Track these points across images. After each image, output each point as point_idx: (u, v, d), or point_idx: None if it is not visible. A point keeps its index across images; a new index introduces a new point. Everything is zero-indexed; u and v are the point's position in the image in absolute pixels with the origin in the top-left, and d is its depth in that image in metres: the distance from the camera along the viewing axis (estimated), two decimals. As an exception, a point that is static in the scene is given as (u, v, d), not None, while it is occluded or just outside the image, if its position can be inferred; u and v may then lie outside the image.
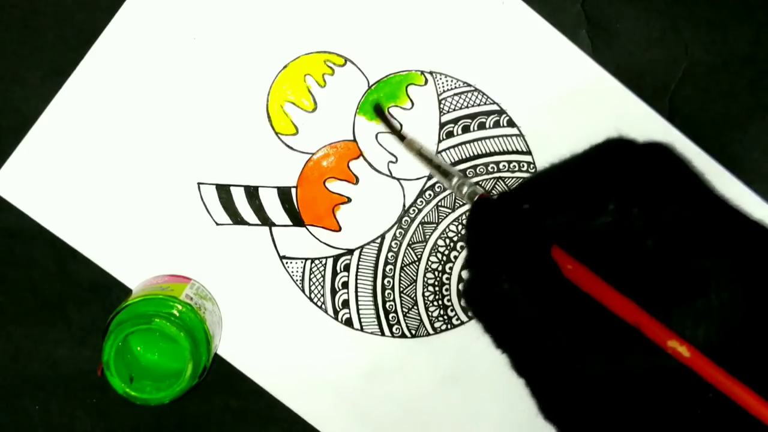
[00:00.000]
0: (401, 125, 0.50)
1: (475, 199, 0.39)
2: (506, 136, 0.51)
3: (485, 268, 0.35)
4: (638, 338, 0.33)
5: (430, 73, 0.50)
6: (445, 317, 0.53)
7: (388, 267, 0.52)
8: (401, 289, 0.53)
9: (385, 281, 0.52)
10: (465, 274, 0.52)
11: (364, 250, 0.52)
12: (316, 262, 0.52)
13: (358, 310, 0.53)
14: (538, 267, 0.35)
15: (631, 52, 0.49)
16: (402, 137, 0.47)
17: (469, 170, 0.51)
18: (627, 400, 0.33)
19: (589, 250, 0.35)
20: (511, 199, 0.37)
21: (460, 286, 0.53)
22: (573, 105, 0.50)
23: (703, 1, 0.48)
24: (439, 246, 0.52)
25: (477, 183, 0.51)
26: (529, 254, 0.35)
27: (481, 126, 0.50)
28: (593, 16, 0.49)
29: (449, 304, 0.53)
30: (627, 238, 0.34)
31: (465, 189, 0.40)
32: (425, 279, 0.53)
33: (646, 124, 0.49)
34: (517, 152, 0.51)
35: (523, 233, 0.35)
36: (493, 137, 0.51)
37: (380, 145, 0.51)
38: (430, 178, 0.51)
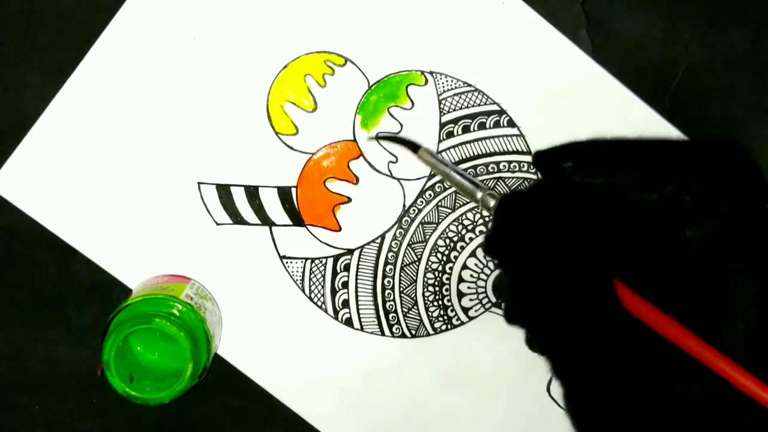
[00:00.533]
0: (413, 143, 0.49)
1: (500, 200, 0.37)
2: (506, 136, 0.51)
3: (532, 274, 0.34)
4: (682, 364, 0.33)
5: (431, 73, 0.50)
6: (445, 317, 0.53)
7: (388, 267, 0.52)
8: (401, 289, 0.53)
9: (385, 281, 0.52)
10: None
11: (364, 250, 0.52)
12: (317, 261, 0.52)
13: (358, 309, 0.53)
14: (596, 299, 0.33)
15: (631, 52, 0.49)
16: (416, 147, 0.46)
17: (469, 170, 0.51)
18: (669, 424, 0.33)
19: (630, 233, 0.34)
20: (552, 158, 0.35)
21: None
22: (573, 105, 0.50)
23: (703, 1, 0.48)
24: (439, 246, 0.52)
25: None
26: (585, 282, 0.33)
27: (482, 126, 0.50)
28: (593, 16, 0.49)
29: (449, 304, 0.53)
30: (671, 224, 0.33)
31: (491, 203, 0.39)
32: (425, 279, 0.53)
33: (646, 124, 0.49)
34: (517, 152, 0.51)
35: (572, 260, 0.33)
36: (493, 137, 0.51)
37: (380, 145, 0.51)
38: (430, 178, 0.51)
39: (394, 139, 0.49)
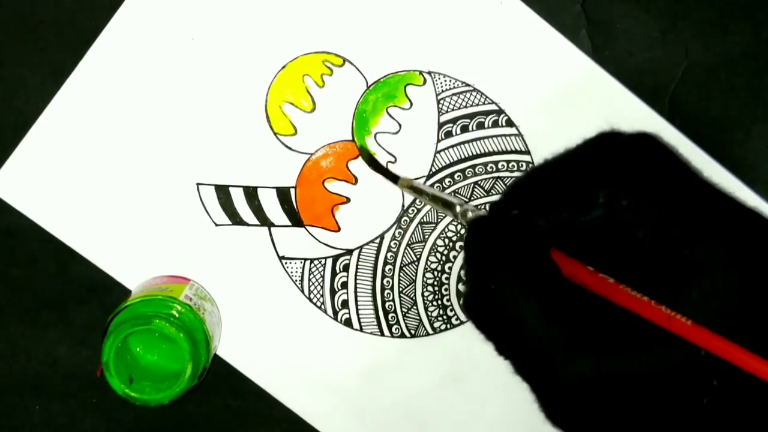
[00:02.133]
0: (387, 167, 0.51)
1: (469, 220, 0.40)
2: (505, 135, 0.51)
3: (482, 278, 0.35)
4: (641, 334, 0.33)
5: (429, 73, 0.50)
6: (445, 317, 0.53)
7: (388, 267, 0.52)
8: (400, 289, 0.53)
9: (385, 281, 0.52)
10: (462, 287, 0.52)
11: (363, 250, 0.52)
12: (315, 262, 0.52)
13: (357, 310, 0.53)
14: (536, 270, 0.35)
15: (631, 52, 0.49)
16: (395, 178, 0.48)
17: (468, 170, 0.51)
18: (633, 397, 0.33)
19: (584, 246, 0.35)
20: (501, 207, 0.37)
21: (460, 286, 0.53)
22: (572, 105, 0.50)
23: (703, 1, 0.48)
24: (438, 246, 0.52)
25: (476, 183, 0.51)
26: (527, 260, 0.35)
27: (480, 126, 0.50)
28: (593, 16, 0.49)
29: (448, 304, 0.53)
30: (619, 232, 0.34)
31: (469, 215, 0.41)
32: (424, 279, 0.53)
33: (646, 124, 0.49)
34: (515, 152, 0.51)
35: (517, 239, 0.35)
36: (491, 137, 0.51)
37: (379, 145, 0.50)
38: (429, 177, 0.51)
39: (377, 168, 0.50)
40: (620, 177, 0.35)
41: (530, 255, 0.35)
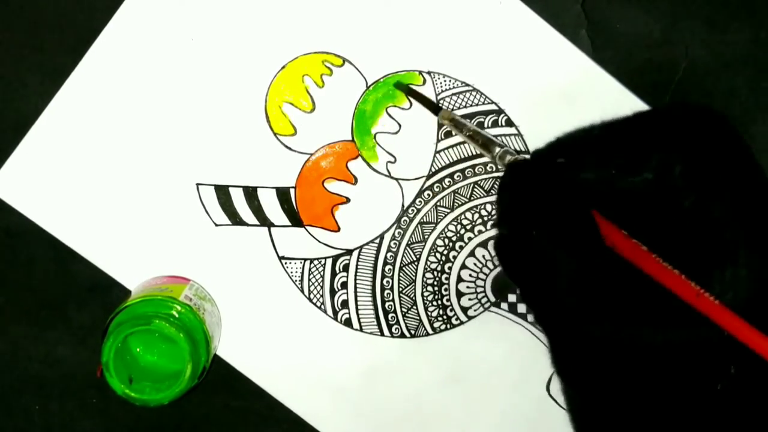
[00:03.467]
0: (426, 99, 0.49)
1: (508, 163, 0.39)
2: (505, 135, 0.50)
3: (521, 222, 0.34)
4: (667, 307, 0.33)
5: (429, 73, 0.50)
6: (445, 317, 0.53)
7: (387, 267, 0.52)
8: (400, 289, 0.53)
9: (384, 281, 0.52)
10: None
11: (363, 250, 0.52)
12: (315, 262, 0.52)
13: (357, 310, 0.53)
14: (577, 226, 0.34)
15: (631, 52, 0.49)
16: (437, 108, 0.47)
17: (467, 170, 0.51)
18: (647, 368, 0.33)
19: (625, 209, 0.34)
20: (544, 156, 0.36)
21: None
22: (572, 104, 0.50)
23: (703, 1, 0.48)
24: (438, 246, 0.52)
25: (476, 183, 0.51)
26: (569, 213, 0.34)
27: (480, 125, 0.50)
28: (593, 16, 0.48)
29: (448, 304, 0.53)
30: (666, 197, 0.33)
31: (508, 158, 0.41)
32: (424, 279, 0.52)
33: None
34: (515, 152, 0.51)
35: (559, 191, 0.34)
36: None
37: (379, 145, 0.50)
38: (429, 178, 0.51)
39: (417, 95, 0.49)
40: (679, 142, 0.34)
41: (573, 208, 0.34)
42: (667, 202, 0.34)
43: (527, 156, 0.38)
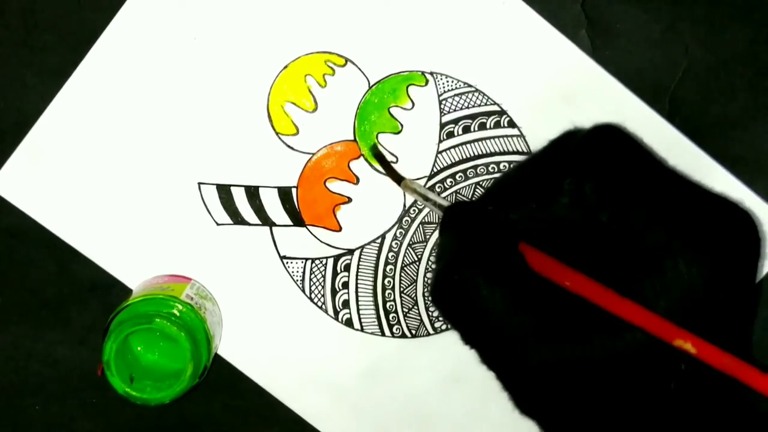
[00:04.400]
0: (396, 162, 0.51)
1: (445, 207, 0.40)
2: (507, 136, 0.51)
3: (448, 267, 0.36)
4: (603, 323, 0.33)
5: (431, 73, 0.50)
6: (447, 323, 0.53)
7: (389, 267, 0.52)
8: (402, 289, 0.53)
9: (386, 281, 0.52)
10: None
11: (364, 250, 0.52)
12: (317, 262, 0.52)
13: (358, 310, 0.53)
14: (500, 261, 0.35)
15: (631, 52, 0.49)
16: (399, 179, 0.48)
17: (469, 170, 0.51)
18: (600, 383, 0.34)
19: (555, 236, 0.36)
20: (477, 203, 0.39)
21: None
22: (573, 105, 0.50)
23: (703, 1, 0.48)
24: (439, 246, 0.52)
25: (478, 183, 0.51)
26: (494, 250, 0.35)
27: (482, 126, 0.50)
28: (593, 16, 0.49)
29: (449, 304, 0.53)
30: (585, 217, 0.35)
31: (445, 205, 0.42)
32: (426, 279, 0.53)
33: (646, 124, 0.49)
34: (517, 153, 0.51)
35: (487, 231, 0.36)
36: (493, 138, 0.51)
37: (381, 145, 0.51)
38: (430, 178, 0.51)
39: (383, 164, 0.50)
40: (583, 163, 0.35)
41: (495, 245, 0.36)
42: (588, 221, 0.35)
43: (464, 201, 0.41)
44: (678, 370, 0.33)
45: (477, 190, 0.51)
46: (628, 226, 0.34)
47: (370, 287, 0.52)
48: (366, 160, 0.51)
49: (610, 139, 0.36)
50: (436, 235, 0.52)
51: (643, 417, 0.34)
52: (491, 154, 0.51)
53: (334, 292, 0.52)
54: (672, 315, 0.32)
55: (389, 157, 0.51)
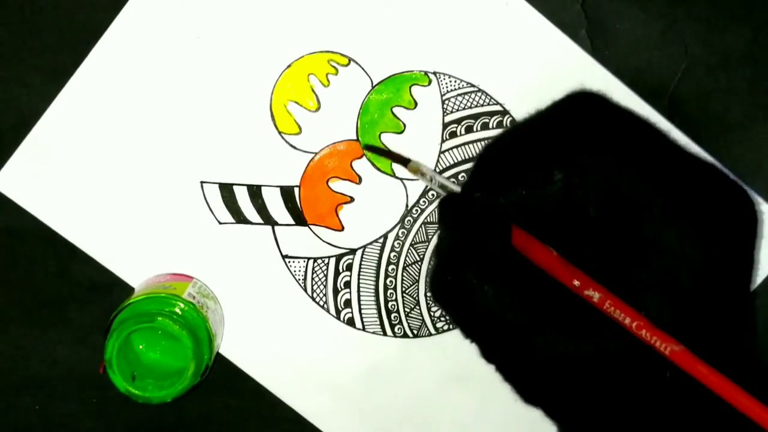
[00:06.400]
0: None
1: (440, 199, 0.40)
2: (508, 136, 0.51)
3: (444, 259, 0.36)
4: (595, 320, 0.34)
5: (434, 73, 0.50)
6: (447, 317, 0.53)
7: (391, 267, 0.52)
8: (404, 288, 0.53)
9: (388, 281, 0.52)
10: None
11: (366, 249, 0.52)
12: (319, 261, 0.52)
13: (360, 309, 0.53)
14: (494, 257, 0.35)
15: (631, 52, 0.49)
16: (406, 161, 0.47)
17: (471, 170, 0.51)
18: (594, 375, 0.34)
19: (545, 223, 0.36)
20: (467, 190, 0.38)
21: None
22: (574, 105, 0.50)
23: (703, 1, 0.49)
24: (441, 246, 0.52)
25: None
26: (486, 246, 0.35)
27: (485, 126, 0.51)
28: (593, 16, 0.49)
29: (451, 304, 0.53)
30: (573, 207, 0.35)
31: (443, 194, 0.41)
32: (427, 279, 0.53)
33: (647, 125, 0.50)
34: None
35: (478, 226, 0.36)
36: (495, 137, 0.51)
37: (383, 144, 0.51)
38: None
39: (383, 152, 0.50)
40: (571, 149, 0.35)
41: (487, 240, 0.35)
42: (578, 211, 0.35)
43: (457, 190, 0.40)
44: (662, 375, 0.33)
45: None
46: (614, 220, 0.34)
47: (372, 287, 0.52)
48: (369, 160, 0.51)
49: (592, 112, 0.36)
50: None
51: (642, 403, 0.34)
52: (493, 154, 0.51)
53: (336, 292, 0.52)
54: (659, 313, 0.33)
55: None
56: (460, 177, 0.51)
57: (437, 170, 0.51)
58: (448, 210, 0.37)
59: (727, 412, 0.32)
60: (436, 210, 0.52)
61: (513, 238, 0.35)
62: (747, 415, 0.31)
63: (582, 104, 0.37)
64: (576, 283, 0.34)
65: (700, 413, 0.34)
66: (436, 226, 0.52)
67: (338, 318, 0.53)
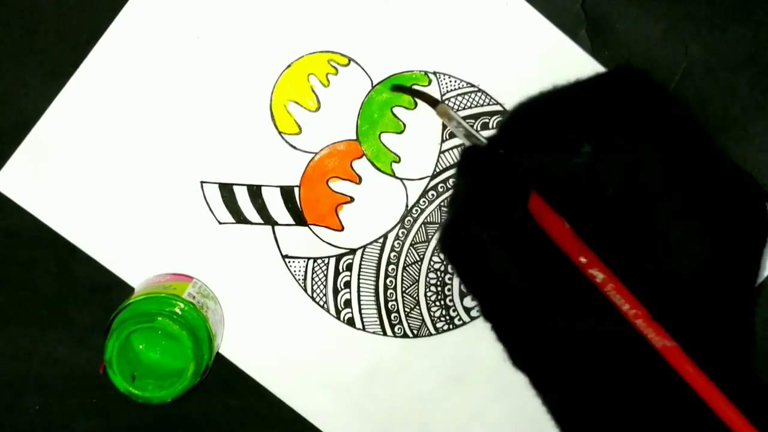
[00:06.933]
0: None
1: (464, 148, 0.39)
2: (508, 136, 0.51)
3: (459, 213, 0.36)
4: (595, 301, 0.34)
5: (434, 73, 0.50)
6: (447, 317, 0.53)
7: (391, 267, 0.52)
8: (404, 289, 0.53)
9: (388, 281, 0.52)
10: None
11: (366, 249, 0.52)
12: (319, 261, 0.52)
13: (360, 309, 0.53)
14: (510, 220, 0.35)
15: (631, 52, 0.49)
16: (435, 102, 0.47)
17: (471, 170, 0.51)
18: (589, 351, 0.34)
19: (566, 193, 0.35)
20: (492, 145, 0.37)
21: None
22: (574, 105, 0.50)
23: (703, 1, 0.49)
24: (441, 246, 0.52)
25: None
26: (504, 207, 0.35)
27: (485, 126, 0.51)
28: (593, 16, 0.49)
29: (451, 304, 0.53)
30: (593, 184, 0.35)
31: (467, 144, 0.41)
32: (428, 279, 0.53)
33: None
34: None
35: (498, 184, 0.35)
36: (495, 137, 0.51)
37: (383, 144, 0.51)
38: (432, 178, 0.51)
39: (411, 91, 0.49)
40: (603, 127, 0.35)
41: (505, 200, 0.35)
42: (597, 187, 0.34)
43: (483, 141, 0.39)
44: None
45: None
46: (631, 204, 0.34)
47: (372, 287, 0.52)
48: (369, 159, 0.51)
49: (634, 92, 0.35)
50: (438, 235, 0.52)
51: (623, 390, 0.34)
52: (493, 154, 0.51)
53: (335, 292, 0.52)
54: (690, 291, 0.32)
55: (389, 157, 0.51)
56: (460, 177, 0.51)
57: (437, 171, 0.51)
58: (471, 162, 0.37)
59: (707, 414, 0.32)
60: (435, 210, 0.52)
61: (530, 203, 0.35)
62: (727, 425, 0.31)
63: (625, 82, 0.37)
64: (583, 260, 0.33)
65: (681, 409, 0.34)
66: (437, 225, 0.52)
67: (338, 318, 0.53)
